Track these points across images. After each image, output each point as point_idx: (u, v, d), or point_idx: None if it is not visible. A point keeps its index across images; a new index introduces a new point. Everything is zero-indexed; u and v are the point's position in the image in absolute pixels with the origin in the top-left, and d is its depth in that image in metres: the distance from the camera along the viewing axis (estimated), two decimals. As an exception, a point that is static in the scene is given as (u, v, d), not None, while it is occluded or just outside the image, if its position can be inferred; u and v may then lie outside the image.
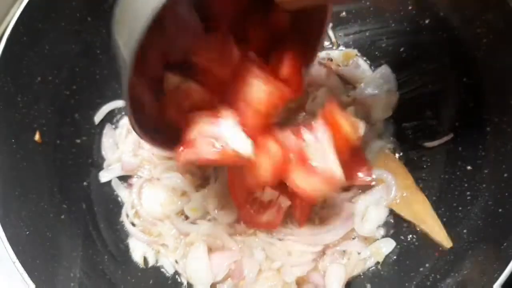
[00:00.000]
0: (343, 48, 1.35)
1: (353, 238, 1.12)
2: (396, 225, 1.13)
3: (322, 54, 1.33)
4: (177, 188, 1.18)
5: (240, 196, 1.06)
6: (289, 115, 1.16)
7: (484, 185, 1.01)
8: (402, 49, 1.26)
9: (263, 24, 0.85)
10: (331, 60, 1.32)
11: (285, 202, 1.06)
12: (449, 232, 1.03)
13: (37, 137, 1.08)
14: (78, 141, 1.21)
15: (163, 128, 0.86)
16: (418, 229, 1.09)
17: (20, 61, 1.04)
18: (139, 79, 0.76)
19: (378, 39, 1.31)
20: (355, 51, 1.33)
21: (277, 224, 1.10)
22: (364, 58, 1.33)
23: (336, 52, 1.34)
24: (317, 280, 1.08)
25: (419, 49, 1.22)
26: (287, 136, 0.89)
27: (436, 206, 1.10)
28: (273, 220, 1.08)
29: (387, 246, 1.11)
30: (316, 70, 1.24)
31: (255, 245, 1.11)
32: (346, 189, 1.13)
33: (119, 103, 1.29)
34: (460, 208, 1.05)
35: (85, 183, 1.19)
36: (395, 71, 1.29)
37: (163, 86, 0.85)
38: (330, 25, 1.36)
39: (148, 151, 1.23)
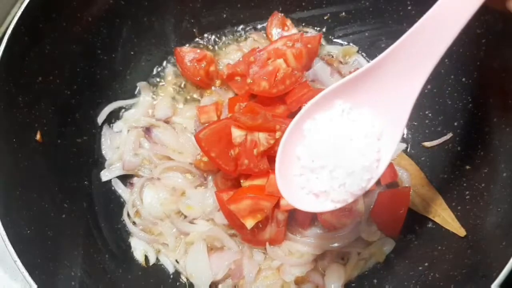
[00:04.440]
0: (344, 43, 1.36)
1: (355, 240, 1.12)
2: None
3: (323, 51, 1.34)
4: (177, 188, 1.19)
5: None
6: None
7: (483, 185, 1.01)
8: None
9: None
10: (332, 56, 1.33)
11: (281, 215, 1.06)
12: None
13: (38, 136, 1.08)
14: (79, 140, 1.21)
15: None
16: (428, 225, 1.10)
17: (21, 61, 1.05)
18: None
19: (377, 39, 1.31)
20: (356, 47, 1.34)
21: (282, 239, 1.10)
22: (365, 56, 1.33)
23: (336, 48, 1.34)
24: (316, 280, 1.09)
25: (419, 49, 1.22)
26: None
27: (436, 205, 1.10)
28: (276, 236, 1.09)
29: (387, 246, 1.11)
30: (320, 68, 1.24)
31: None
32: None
33: (120, 103, 1.30)
34: (459, 208, 1.05)
35: (86, 183, 1.19)
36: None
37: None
38: (323, 30, 1.37)
39: (148, 150, 1.23)
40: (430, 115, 1.21)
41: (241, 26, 1.40)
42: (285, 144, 0.81)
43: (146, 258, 1.16)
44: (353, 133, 0.78)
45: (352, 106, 0.80)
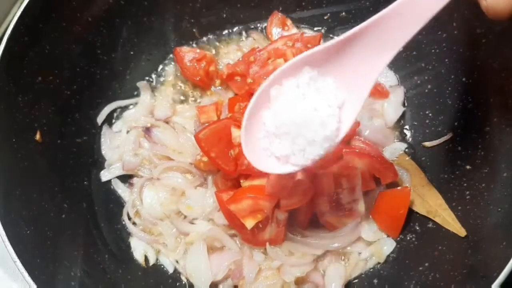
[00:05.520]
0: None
1: (355, 240, 1.12)
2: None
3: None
4: (177, 188, 1.18)
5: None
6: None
7: (483, 185, 1.01)
8: (401, 49, 1.26)
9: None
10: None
11: (281, 215, 1.06)
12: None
13: (38, 136, 1.08)
14: (79, 140, 1.21)
15: None
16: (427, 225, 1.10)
17: (21, 61, 1.05)
18: None
19: (377, 39, 1.31)
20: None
21: (282, 240, 1.10)
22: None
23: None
24: (317, 280, 1.08)
25: (419, 49, 1.22)
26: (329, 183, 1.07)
27: (436, 205, 1.10)
28: (276, 236, 1.09)
29: (388, 246, 1.11)
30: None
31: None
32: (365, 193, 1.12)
33: (120, 103, 1.30)
34: (459, 208, 1.05)
35: (85, 183, 1.19)
36: (394, 71, 1.29)
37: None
38: (323, 30, 1.38)
39: (148, 150, 1.23)
40: (430, 115, 1.21)
41: (241, 26, 1.40)
42: (252, 107, 0.85)
43: (146, 258, 1.16)
44: (317, 103, 0.81)
45: (318, 73, 0.83)
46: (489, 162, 1.01)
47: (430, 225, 1.08)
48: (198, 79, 1.30)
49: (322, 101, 0.81)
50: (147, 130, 1.25)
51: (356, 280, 1.11)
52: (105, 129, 1.26)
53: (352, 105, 0.82)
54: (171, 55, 1.37)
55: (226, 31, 1.40)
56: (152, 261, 1.16)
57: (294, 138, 0.81)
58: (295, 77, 0.83)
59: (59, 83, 1.15)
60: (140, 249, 1.16)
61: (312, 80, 0.83)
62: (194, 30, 1.38)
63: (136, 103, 1.32)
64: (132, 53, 1.32)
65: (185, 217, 1.17)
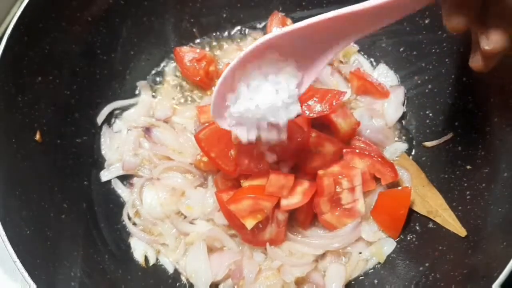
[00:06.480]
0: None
1: (355, 240, 1.12)
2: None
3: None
4: (177, 188, 1.18)
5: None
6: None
7: (483, 185, 1.01)
8: (402, 49, 1.27)
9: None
10: (332, 56, 1.33)
11: (281, 215, 1.06)
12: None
13: (37, 136, 1.08)
14: (79, 140, 1.21)
15: None
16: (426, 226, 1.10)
17: (21, 61, 1.05)
18: None
19: (378, 39, 1.31)
20: (356, 47, 1.33)
21: (282, 240, 1.10)
22: (365, 56, 1.33)
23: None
24: (317, 280, 1.08)
25: (419, 48, 1.22)
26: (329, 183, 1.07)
27: (436, 205, 1.10)
28: (276, 236, 1.09)
29: (388, 246, 1.11)
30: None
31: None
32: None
33: (119, 103, 1.30)
34: (460, 208, 1.05)
35: (85, 183, 1.19)
36: (394, 71, 1.29)
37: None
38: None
39: (148, 150, 1.23)
40: (430, 115, 1.21)
41: (241, 26, 1.40)
42: (218, 90, 0.89)
43: (146, 258, 1.16)
44: (278, 84, 0.86)
45: (280, 54, 0.87)
46: (490, 162, 1.01)
47: (430, 225, 1.08)
48: (198, 79, 1.30)
49: (283, 81, 0.86)
50: (147, 130, 1.25)
51: (356, 281, 1.11)
52: (105, 129, 1.26)
53: (306, 83, 0.90)
54: (171, 55, 1.37)
55: (226, 31, 1.40)
56: (152, 261, 1.15)
57: (259, 119, 0.88)
58: (257, 59, 0.86)
59: (59, 83, 1.15)
60: (140, 249, 1.16)
61: (273, 61, 0.86)
62: (194, 30, 1.38)
63: (136, 103, 1.32)
64: (132, 53, 1.32)
65: (185, 217, 1.16)
